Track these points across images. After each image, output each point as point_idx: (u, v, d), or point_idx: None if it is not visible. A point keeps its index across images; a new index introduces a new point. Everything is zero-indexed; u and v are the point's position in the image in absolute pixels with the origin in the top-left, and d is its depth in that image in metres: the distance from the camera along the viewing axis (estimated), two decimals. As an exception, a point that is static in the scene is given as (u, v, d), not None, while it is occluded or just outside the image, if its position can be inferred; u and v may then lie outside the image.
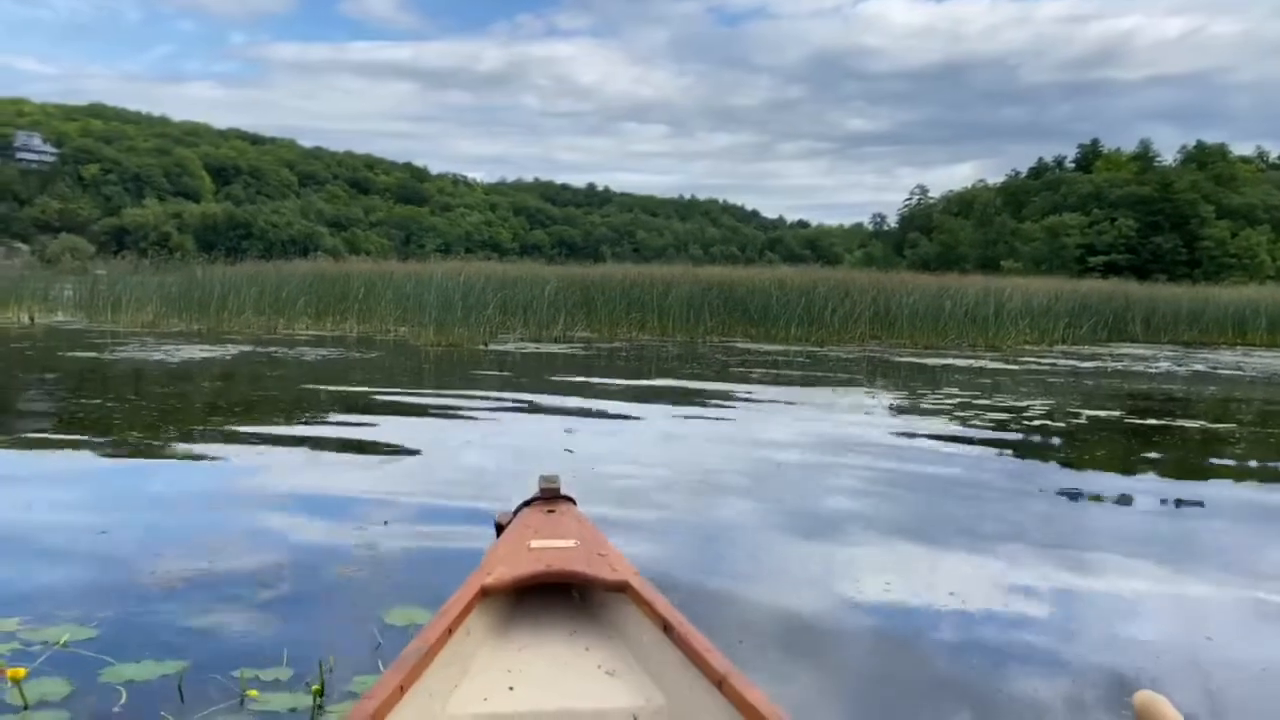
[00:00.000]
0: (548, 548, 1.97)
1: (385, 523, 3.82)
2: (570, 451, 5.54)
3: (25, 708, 2.11)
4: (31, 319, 17.34)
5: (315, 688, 2.19)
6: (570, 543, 2.01)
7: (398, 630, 2.62)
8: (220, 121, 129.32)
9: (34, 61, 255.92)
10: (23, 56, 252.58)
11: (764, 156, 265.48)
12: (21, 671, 2.15)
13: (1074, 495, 5.11)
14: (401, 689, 1.37)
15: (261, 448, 5.59)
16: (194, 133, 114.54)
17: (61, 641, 2.48)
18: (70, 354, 11.46)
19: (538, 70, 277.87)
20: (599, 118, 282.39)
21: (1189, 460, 6.35)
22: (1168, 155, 69.94)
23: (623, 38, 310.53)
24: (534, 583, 1.84)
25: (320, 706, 2.16)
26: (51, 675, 2.28)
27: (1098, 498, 5.06)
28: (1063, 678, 2.51)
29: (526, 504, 2.42)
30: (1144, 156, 68.66)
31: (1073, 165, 73.72)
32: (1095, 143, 74.85)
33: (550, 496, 2.43)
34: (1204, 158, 66.41)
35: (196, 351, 11.90)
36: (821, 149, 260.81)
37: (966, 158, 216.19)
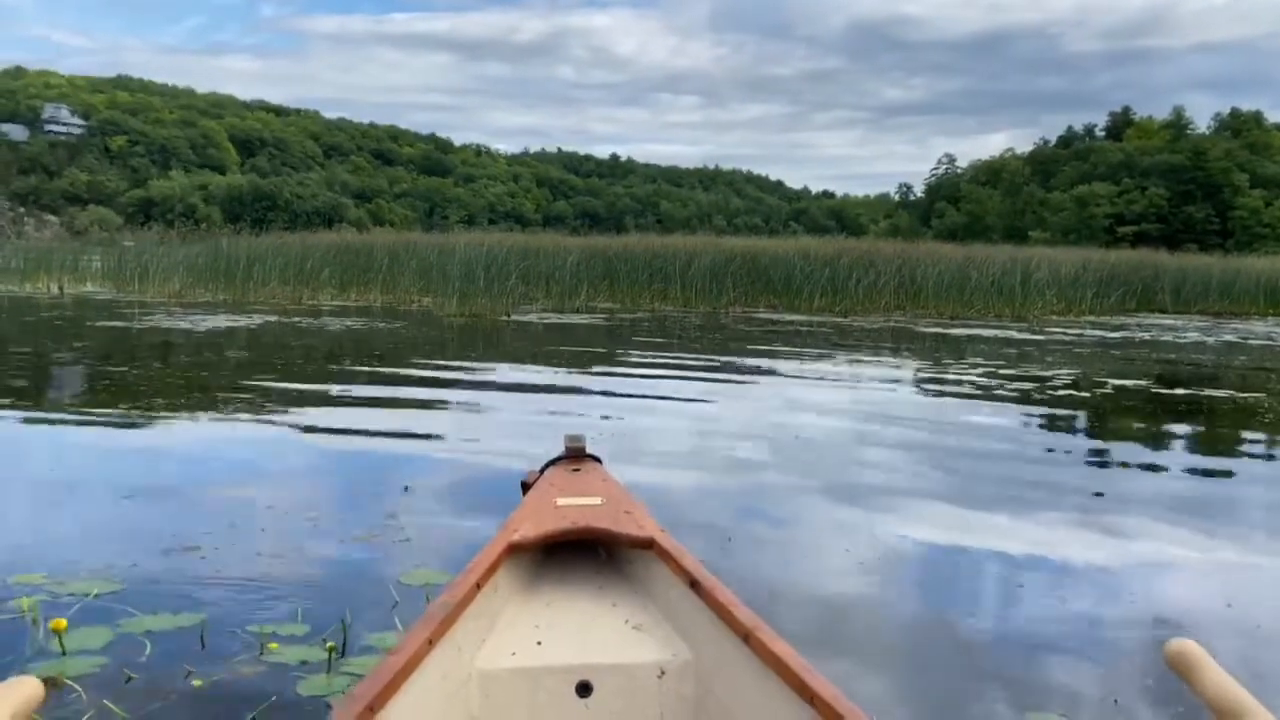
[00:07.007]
0: (574, 505, 1.97)
1: (406, 488, 3.85)
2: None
3: (64, 654, 2.19)
4: (61, 289, 17.55)
5: (330, 643, 2.22)
6: (596, 500, 2.01)
7: (414, 590, 2.65)
8: (257, 94, 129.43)
9: (69, 34, 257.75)
10: (59, 29, 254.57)
11: (797, 126, 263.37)
12: (63, 623, 2.23)
13: (1101, 464, 5.07)
14: (430, 642, 1.37)
15: (283, 413, 5.64)
16: (219, 104, 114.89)
17: (93, 594, 2.54)
18: (99, 323, 11.60)
19: (576, 41, 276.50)
20: (633, 89, 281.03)
21: (1218, 430, 6.27)
22: (1201, 123, 68.55)
23: (662, 8, 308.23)
24: (561, 539, 1.84)
25: (336, 660, 2.19)
26: (82, 626, 2.33)
27: (1125, 465, 5.02)
28: (1095, 641, 2.50)
29: (553, 463, 2.42)
30: (1176, 124, 67.22)
31: (1103, 134, 72.39)
32: (1126, 110, 73.45)
33: (576, 455, 2.43)
34: (1238, 125, 65.02)
35: (222, 321, 12.00)
36: (856, 119, 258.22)
37: (1002, 127, 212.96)
